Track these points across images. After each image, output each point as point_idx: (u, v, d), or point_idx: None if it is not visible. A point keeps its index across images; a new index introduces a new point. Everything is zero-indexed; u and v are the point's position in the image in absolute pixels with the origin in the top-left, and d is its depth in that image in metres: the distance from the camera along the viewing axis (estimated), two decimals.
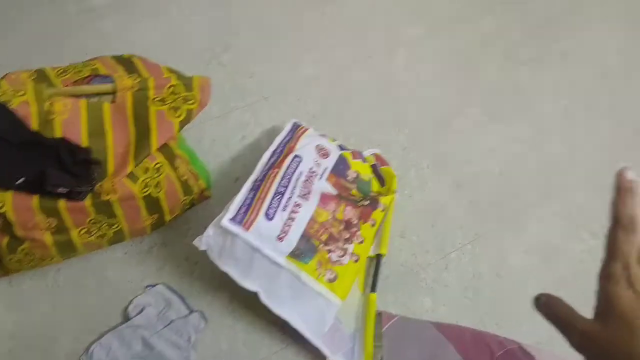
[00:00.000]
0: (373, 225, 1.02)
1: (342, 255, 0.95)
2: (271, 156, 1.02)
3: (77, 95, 0.92)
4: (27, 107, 0.86)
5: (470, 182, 1.22)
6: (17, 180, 0.83)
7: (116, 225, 0.93)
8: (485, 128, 1.31)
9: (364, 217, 1.00)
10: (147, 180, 0.91)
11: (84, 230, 0.91)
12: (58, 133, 0.86)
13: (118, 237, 0.97)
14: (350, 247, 0.97)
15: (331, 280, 0.92)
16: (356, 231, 0.98)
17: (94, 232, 0.92)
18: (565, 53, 1.46)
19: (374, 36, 1.41)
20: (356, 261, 0.97)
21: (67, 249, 0.93)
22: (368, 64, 1.36)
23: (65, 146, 0.85)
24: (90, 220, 0.90)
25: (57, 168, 0.83)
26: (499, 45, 1.45)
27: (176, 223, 1.08)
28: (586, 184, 1.25)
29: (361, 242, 0.98)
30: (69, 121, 0.88)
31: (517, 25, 1.49)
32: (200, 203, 1.09)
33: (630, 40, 1.51)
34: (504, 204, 1.20)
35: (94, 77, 0.96)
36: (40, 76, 0.95)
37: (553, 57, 1.45)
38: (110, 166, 0.88)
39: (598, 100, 1.39)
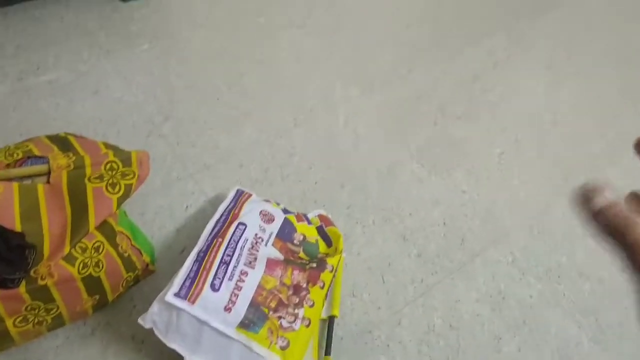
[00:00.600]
0: (322, 287, 1.01)
1: (293, 321, 0.94)
2: (215, 225, 1.02)
3: (10, 179, 0.90)
4: None
5: (416, 235, 1.24)
6: None
7: (55, 310, 0.89)
8: (426, 180, 1.34)
9: (312, 280, 0.99)
10: (86, 260, 0.88)
11: (19, 319, 0.86)
12: None
13: (57, 323, 0.93)
14: (301, 312, 0.95)
15: (283, 348, 0.90)
16: (306, 295, 0.97)
17: (31, 319, 0.88)
18: (494, 104, 1.54)
19: (312, 97, 1.45)
20: (308, 325, 0.96)
21: (2, 341, 0.88)
22: (308, 125, 1.39)
23: None
24: (27, 307, 0.86)
25: None
26: (433, 100, 1.51)
27: (120, 301, 1.04)
28: (526, 228, 1.29)
29: (312, 305, 0.98)
30: (1, 206, 0.85)
31: (448, 79, 1.57)
32: (145, 278, 1.07)
33: (553, 86, 1.61)
34: (451, 254, 1.22)
35: (27, 158, 0.94)
36: None
37: (483, 108, 1.52)
38: (46, 249, 0.85)
39: (529, 146, 1.46)
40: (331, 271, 1.04)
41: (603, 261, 1.26)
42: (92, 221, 0.89)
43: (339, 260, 1.08)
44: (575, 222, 1.32)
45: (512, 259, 1.23)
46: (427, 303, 1.14)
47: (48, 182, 0.91)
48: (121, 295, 1.02)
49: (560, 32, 1.78)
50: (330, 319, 1.05)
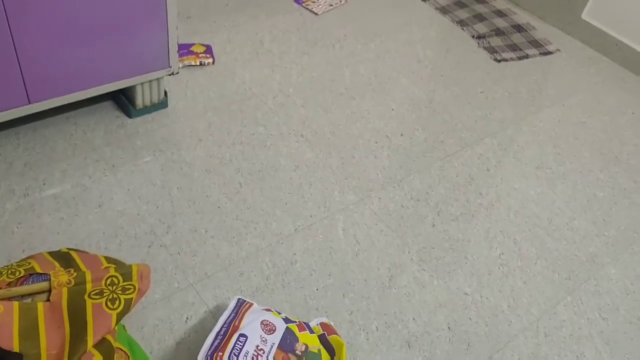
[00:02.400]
0: None
1: None
2: (215, 338, 1.00)
3: (10, 298, 0.90)
4: None
5: (421, 341, 1.22)
6: None
7: None
8: (428, 284, 1.34)
9: None
10: None
11: None
12: None
13: None
14: None
15: None
16: None
17: None
18: (490, 205, 1.57)
19: (311, 205, 1.48)
20: None
21: None
22: (308, 232, 1.41)
23: None
24: None
25: None
26: (429, 203, 1.54)
27: None
28: (533, 330, 1.27)
29: None
30: (0, 326, 0.84)
31: (443, 183, 1.61)
32: None
33: (545, 186, 1.65)
34: None
35: (29, 276, 0.95)
36: None
37: (480, 211, 1.55)
38: None
39: (528, 246, 1.46)
40: None
41: None
42: (91, 339, 0.88)
43: None
44: (581, 323, 1.30)
45: None
46: None
47: (48, 299, 0.91)
48: None
49: (547, 137, 1.85)
50: None
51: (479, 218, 1.53)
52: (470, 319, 1.28)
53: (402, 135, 1.76)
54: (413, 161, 1.67)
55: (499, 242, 1.47)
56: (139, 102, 1.61)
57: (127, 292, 0.95)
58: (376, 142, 1.71)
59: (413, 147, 1.72)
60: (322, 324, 1.15)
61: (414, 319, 1.26)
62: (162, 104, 1.67)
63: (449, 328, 1.25)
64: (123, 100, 1.63)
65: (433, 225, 1.48)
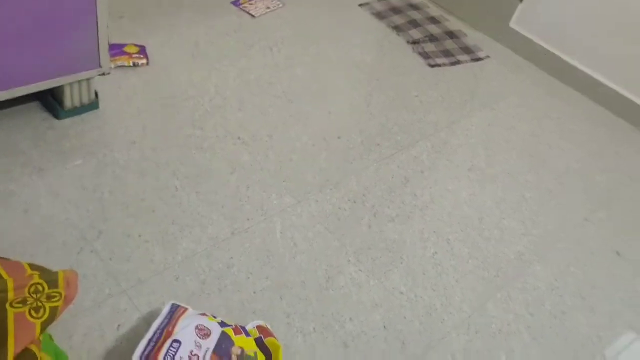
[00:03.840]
0: None
1: None
2: (147, 345, 0.98)
3: None
4: None
5: (357, 341, 1.23)
6: None
7: None
8: (364, 284, 1.36)
9: None
10: None
11: None
12: None
13: None
14: None
15: None
16: None
17: None
18: (425, 206, 1.61)
19: (248, 208, 1.47)
20: None
21: None
22: (245, 236, 1.40)
23: None
24: None
25: None
26: (366, 205, 1.56)
27: None
28: (464, 327, 1.31)
29: None
30: None
31: (380, 185, 1.64)
32: None
33: (476, 188, 1.71)
34: (393, 359, 1.21)
35: None
36: None
37: (415, 212, 1.59)
38: None
39: (460, 246, 1.51)
40: None
41: (540, 357, 1.28)
42: (11, 349, 0.84)
43: None
44: (509, 319, 1.36)
45: None
46: None
47: None
48: None
49: (478, 139, 1.92)
50: None
51: (414, 219, 1.57)
52: (405, 317, 1.31)
53: (339, 138, 1.77)
54: (350, 163, 1.69)
55: (433, 242, 1.51)
56: (68, 103, 1.55)
57: (52, 299, 0.91)
58: (313, 145, 1.72)
59: (350, 150, 1.74)
60: (259, 327, 1.15)
61: (350, 319, 1.28)
62: (93, 105, 1.62)
63: (384, 327, 1.28)
64: (50, 101, 1.56)
65: (369, 227, 1.51)
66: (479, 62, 2.32)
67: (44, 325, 0.89)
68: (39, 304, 0.89)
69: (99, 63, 1.51)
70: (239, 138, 1.67)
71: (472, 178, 1.75)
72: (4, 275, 0.94)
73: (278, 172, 1.60)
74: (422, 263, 1.45)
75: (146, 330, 1.03)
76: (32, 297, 0.90)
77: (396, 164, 1.73)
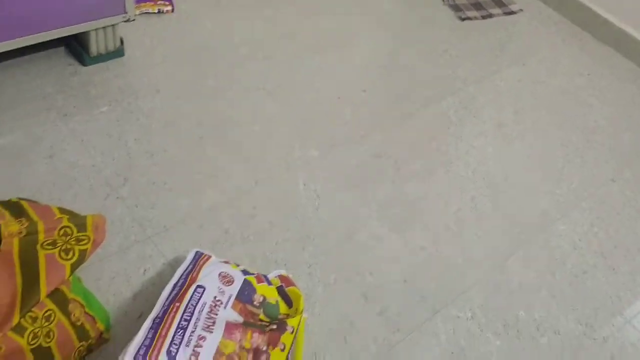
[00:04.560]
0: (283, 349, 0.99)
1: None
2: (172, 289, 1.00)
3: None
4: None
5: (377, 293, 1.25)
6: None
7: None
8: (386, 238, 1.36)
9: (272, 343, 0.98)
10: (36, 330, 0.85)
11: None
12: None
13: None
14: None
15: None
16: (266, 358, 0.96)
17: None
18: (449, 162, 1.59)
19: (272, 159, 1.47)
20: None
21: None
22: (268, 186, 1.41)
23: None
24: None
25: None
26: (390, 159, 1.55)
27: None
28: (483, 284, 1.31)
29: None
30: None
31: (405, 140, 1.62)
32: (99, 347, 1.03)
33: (503, 145, 1.68)
34: (413, 312, 1.23)
35: None
36: None
37: (439, 167, 1.57)
38: None
39: (483, 203, 1.50)
40: (292, 333, 1.03)
41: (559, 314, 1.29)
42: (44, 289, 0.86)
43: (299, 321, 1.07)
44: (530, 276, 1.36)
45: (472, 315, 1.24)
46: None
47: None
48: None
49: (506, 96, 1.88)
50: None
51: (438, 175, 1.55)
52: (425, 272, 1.31)
53: (364, 91, 1.75)
54: (375, 117, 1.67)
55: (457, 198, 1.50)
56: (93, 49, 1.55)
57: (81, 243, 0.93)
58: (338, 98, 1.70)
59: (375, 104, 1.72)
60: (281, 276, 1.16)
61: (371, 272, 1.29)
62: (118, 52, 1.61)
63: (404, 281, 1.29)
64: (76, 47, 1.56)
65: (393, 182, 1.50)
66: (512, 16, 2.24)
67: (74, 267, 0.91)
68: (69, 246, 0.92)
69: (124, 8, 1.49)
70: (263, 88, 1.66)
71: (498, 135, 1.72)
72: (35, 218, 0.96)
73: (302, 124, 1.59)
74: (445, 219, 1.44)
75: (171, 276, 1.05)
76: (61, 239, 0.92)
77: (422, 119, 1.71)
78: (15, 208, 0.99)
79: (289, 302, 1.11)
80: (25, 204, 1.01)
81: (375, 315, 1.21)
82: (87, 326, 0.96)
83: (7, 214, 0.96)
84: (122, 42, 1.61)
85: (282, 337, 1.00)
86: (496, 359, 1.17)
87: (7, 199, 1.05)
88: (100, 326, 1.00)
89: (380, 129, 1.64)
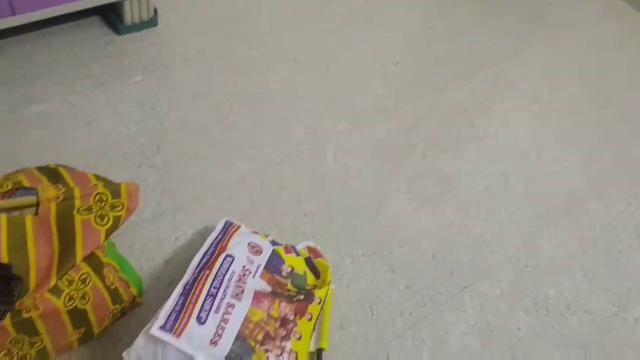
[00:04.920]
0: (310, 319, 1.01)
1: (280, 354, 0.93)
2: (202, 257, 1.02)
3: None
4: None
5: (405, 267, 1.25)
6: None
7: (39, 344, 0.88)
8: (415, 213, 1.35)
9: (300, 312, 0.99)
10: (72, 292, 0.88)
11: (3, 352, 0.85)
12: None
13: (42, 356, 0.92)
14: (288, 345, 0.95)
15: None
16: (293, 327, 0.97)
17: (15, 353, 0.87)
18: (481, 138, 1.56)
19: (302, 131, 1.47)
20: (295, 359, 0.95)
21: None
22: (297, 159, 1.41)
23: None
24: (11, 340, 0.85)
25: None
26: (420, 134, 1.53)
27: (106, 335, 1.03)
28: (513, 261, 1.30)
29: (299, 338, 0.97)
30: None
31: (436, 114, 1.60)
32: (132, 311, 1.06)
33: (537, 122, 1.65)
34: (440, 287, 1.23)
35: (17, 190, 0.95)
36: None
37: (470, 143, 1.55)
38: (32, 281, 0.85)
39: (515, 180, 1.48)
40: (319, 303, 1.04)
41: (590, 293, 1.27)
42: (80, 253, 0.89)
43: (327, 292, 1.08)
44: (561, 255, 1.34)
45: (500, 292, 1.24)
46: (416, 336, 1.14)
47: (36, 213, 0.92)
48: (107, 328, 1.01)
49: (542, 71, 1.83)
50: (319, 352, 1.04)
51: (470, 150, 1.53)
52: (454, 248, 1.31)
53: (397, 64, 1.72)
54: (406, 91, 1.65)
55: (487, 175, 1.48)
56: (128, 18, 1.56)
57: (115, 209, 0.95)
58: (369, 71, 1.68)
59: (407, 77, 1.69)
60: (309, 248, 1.17)
61: (399, 246, 1.29)
62: (152, 22, 1.62)
63: (433, 256, 1.28)
64: (111, 17, 1.57)
65: (423, 156, 1.49)
66: None
67: (108, 233, 0.94)
68: (104, 212, 0.94)
69: None
70: (295, 61, 1.65)
71: (532, 111, 1.68)
72: (71, 184, 0.98)
73: (333, 96, 1.58)
74: (475, 195, 1.42)
75: (201, 244, 1.07)
76: (97, 205, 0.94)
77: (454, 93, 1.68)
78: (53, 174, 1.01)
79: (316, 274, 1.12)
80: (62, 170, 1.03)
81: (403, 289, 1.21)
82: (121, 290, 0.99)
83: (45, 179, 0.99)
84: (155, 12, 1.61)
85: (309, 307, 1.01)
86: (524, 335, 1.17)
87: (45, 164, 1.08)
88: (134, 290, 1.03)
89: (411, 102, 1.62)
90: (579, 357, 1.16)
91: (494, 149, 1.55)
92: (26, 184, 0.96)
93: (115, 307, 0.98)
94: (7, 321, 0.83)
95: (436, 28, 1.89)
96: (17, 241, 0.87)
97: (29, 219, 0.90)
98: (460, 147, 1.53)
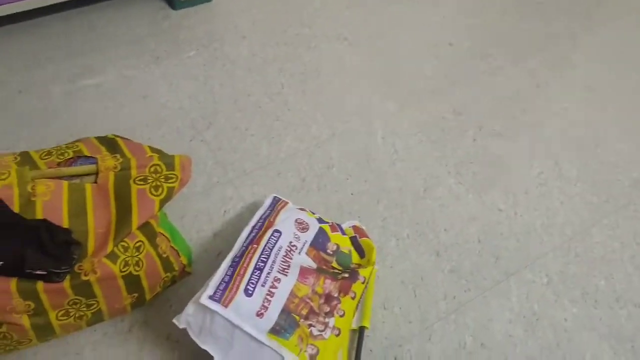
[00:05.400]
0: (354, 297, 1.02)
1: (323, 330, 0.95)
2: (250, 231, 1.04)
3: (60, 177, 0.94)
4: (9, 189, 0.88)
5: (450, 251, 1.24)
6: None
7: (95, 306, 0.93)
8: (463, 197, 1.34)
9: (344, 290, 1.00)
10: (127, 259, 0.92)
11: (62, 312, 0.90)
12: (39, 215, 0.88)
13: (97, 318, 0.97)
14: (332, 321, 0.96)
15: (313, 356, 0.92)
16: (337, 304, 0.98)
17: (73, 313, 0.91)
18: (535, 123, 1.52)
19: (351, 110, 1.47)
20: (338, 335, 0.97)
21: (45, 332, 0.92)
22: (346, 138, 1.41)
23: (46, 227, 0.86)
24: (69, 301, 0.89)
25: (37, 249, 0.84)
26: (472, 117, 1.51)
27: (157, 301, 1.07)
28: (563, 250, 1.27)
29: (342, 315, 0.98)
30: (51, 203, 0.89)
31: (489, 97, 1.56)
32: (182, 280, 1.10)
33: (594, 109, 1.59)
34: (485, 272, 1.21)
35: (78, 158, 0.99)
36: (24, 159, 0.98)
37: (524, 128, 1.51)
38: (91, 246, 0.89)
39: (569, 168, 1.43)
40: (363, 282, 1.05)
41: None
42: (135, 221, 0.92)
43: (372, 272, 1.09)
44: (614, 246, 1.30)
45: (548, 281, 1.21)
46: (459, 320, 1.13)
47: (95, 182, 0.95)
48: (158, 295, 1.05)
49: (601, 56, 1.75)
50: (361, 330, 1.05)
51: (522, 135, 1.49)
52: (501, 234, 1.29)
53: (450, 44, 1.69)
54: (459, 72, 1.62)
55: (540, 161, 1.44)
56: None
57: (169, 180, 0.98)
58: (422, 51, 1.65)
59: (461, 58, 1.66)
60: (354, 227, 1.18)
61: (445, 229, 1.28)
62: None
63: (479, 241, 1.27)
64: None
65: (474, 139, 1.46)
66: None
67: (162, 203, 0.97)
68: (158, 183, 0.97)
69: None
70: (346, 39, 1.64)
71: (591, 97, 1.62)
72: (128, 155, 1.02)
73: (384, 76, 1.57)
74: (526, 181, 1.39)
75: (249, 218, 1.10)
76: (152, 176, 0.97)
77: (509, 76, 1.63)
78: (111, 144, 1.05)
79: (361, 253, 1.13)
80: (120, 141, 1.07)
81: (447, 272, 1.20)
82: (172, 259, 1.02)
83: (103, 149, 1.02)
84: None
85: (353, 285, 1.02)
86: (571, 326, 1.15)
87: (103, 135, 1.12)
88: (184, 260, 1.06)
89: (464, 84, 1.59)
90: (626, 351, 1.13)
91: (548, 135, 1.50)
92: (86, 152, 1.00)
93: (166, 275, 1.02)
94: (66, 283, 0.87)
95: (493, 8, 1.84)
96: (77, 208, 0.91)
97: (88, 187, 0.94)
98: (513, 132, 1.50)
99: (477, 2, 1.85)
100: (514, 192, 1.37)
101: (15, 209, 0.87)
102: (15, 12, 1.36)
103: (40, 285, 0.85)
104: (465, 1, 1.85)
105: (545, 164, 1.44)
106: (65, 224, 0.89)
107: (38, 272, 0.83)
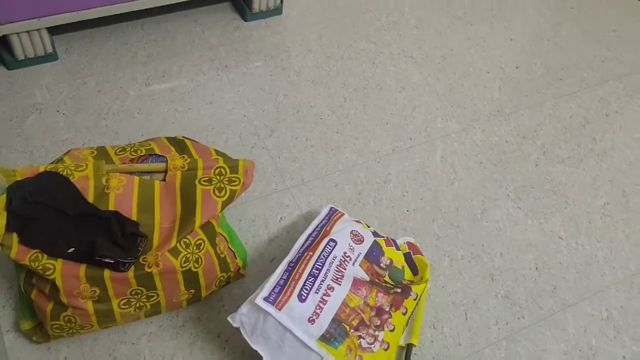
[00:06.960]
0: (405, 313, 1.02)
1: (373, 342, 0.95)
2: (307, 239, 1.06)
3: (132, 173, 0.99)
4: (86, 181, 0.93)
5: (505, 276, 1.22)
6: (68, 249, 0.89)
7: (155, 298, 0.96)
8: (521, 222, 1.31)
9: (395, 305, 1.00)
10: (188, 255, 0.95)
11: (124, 301, 0.94)
12: (111, 206, 0.92)
13: (155, 310, 1.00)
14: (381, 334, 0.97)
15: None
16: (387, 318, 0.98)
17: (134, 303, 0.95)
18: (603, 152, 1.48)
19: (412, 127, 1.47)
20: (386, 349, 0.96)
21: (106, 319, 0.96)
22: (405, 154, 1.41)
23: (116, 219, 0.90)
24: (132, 291, 0.93)
25: (107, 239, 0.88)
26: (537, 142, 1.48)
27: (211, 299, 1.10)
28: (627, 285, 1.23)
29: (392, 329, 0.98)
30: (123, 196, 0.94)
31: (555, 123, 1.53)
32: (235, 281, 1.12)
33: None
34: (541, 301, 1.18)
35: (149, 156, 1.04)
36: (101, 153, 1.03)
37: (590, 155, 1.47)
38: (156, 240, 0.93)
39: (637, 199, 1.38)
40: (415, 299, 1.04)
41: None
42: (198, 220, 0.96)
43: (424, 290, 1.08)
44: None
45: (608, 316, 1.17)
46: (511, 347, 1.11)
47: (164, 179, 1.00)
48: (213, 293, 1.09)
49: None
50: (409, 347, 1.05)
51: (588, 164, 1.45)
52: (560, 263, 1.25)
53: (517, 67, 1.67)
54: (525, 96, 1.60)
55: (606, 191, 1.40)
56: (256, 6, 1.63)
57: (232, 183, 1.01)
58: (488, 72, 1.64)
59: (527, 82, 1.64)
60: (409, 243, 1.18)
61: (501, 253, 1.25)
62: (277, 11, 1.68)
63: (536, 268, 1.24)
64: (240, 3, 1.66)
65: (536, 165, 1.43)
66: None
67: (224, 205, 1.00)
68: (222, 185, 1.00)
69: None
70: (411, 57, 1.65)
71: None
72: (195, 156, 1.06)
73: (447, 95, 1.56)
74: (590, 211, 1.35)
75: (305, 227, 1.11)
76: (216, 178, 1.01)
77: (577, 103, 1.60)
78: (180, 145, 1.10)
79: (414, 269, 1.13)
80: (188, 142, 1.11)
81: (501, 298, 1.18)
82: (229, 260, 1.05)
83: (173, 149, 1.07)
84: (282, 0, 1.68)
85: (405, 301, 1.02)
86: None
87: (173, 136, 1.17)
88: (239, 262, 1.09)
89: (529, 108, 1.56)
90: None
91: (616, 165, 1.46)
92: (157, 151, 1.05)
93: (222, 275, 1.05)
94: (130, 273, 0.91)
95: (565, 32, 1.80)
96: (146, 202, 0.95)
97: (157, 184, 0.98)
98: (578, 160, 1.46)
99: (550, 26, 1.82)
100: (576, 221, 1.33)
101: (90, 199, 0.93)
102: (99, 16, 1.45)
103: (107, 272, 0.90)
104: (536, 24, 1.82)
105: (611, 194, 1.39)
106: (134, 217, 0.93)
107: (106, 260, 0.88)
